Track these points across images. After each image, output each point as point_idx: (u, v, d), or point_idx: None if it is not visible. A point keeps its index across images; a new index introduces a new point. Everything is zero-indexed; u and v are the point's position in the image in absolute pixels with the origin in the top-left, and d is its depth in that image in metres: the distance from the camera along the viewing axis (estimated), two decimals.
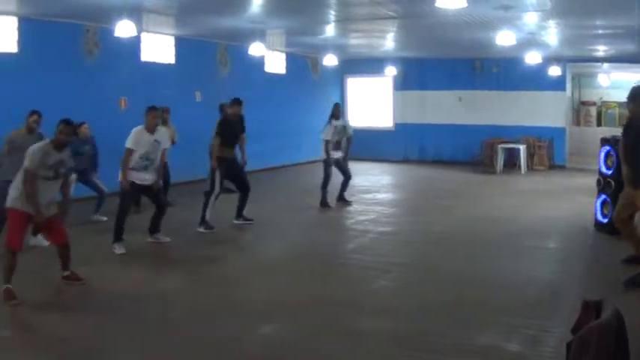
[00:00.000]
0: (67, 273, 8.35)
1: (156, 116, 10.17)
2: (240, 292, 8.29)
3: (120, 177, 9.98)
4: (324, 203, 14.00)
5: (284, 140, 21.35)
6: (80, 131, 11.61)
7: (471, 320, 7.19)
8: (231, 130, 11.80)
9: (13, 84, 12.68)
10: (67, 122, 7.92)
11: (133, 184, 10.00)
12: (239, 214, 12.20)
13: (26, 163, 7.73)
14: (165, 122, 12.98)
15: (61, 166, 7.94)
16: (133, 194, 10.34)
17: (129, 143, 9.90)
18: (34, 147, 7.85)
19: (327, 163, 13.95)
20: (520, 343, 6.55)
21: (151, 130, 10.01)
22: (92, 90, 14.51)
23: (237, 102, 11.95)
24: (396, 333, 6.85)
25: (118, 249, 9.98)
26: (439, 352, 6.32)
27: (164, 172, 11.74)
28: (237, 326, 7.03)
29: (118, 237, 10.04)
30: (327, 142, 13.79)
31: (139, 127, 10.03)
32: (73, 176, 10.65)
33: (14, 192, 7.85)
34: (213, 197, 11.65)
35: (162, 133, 10.28)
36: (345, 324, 7.10)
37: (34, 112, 9.82)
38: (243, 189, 12.08)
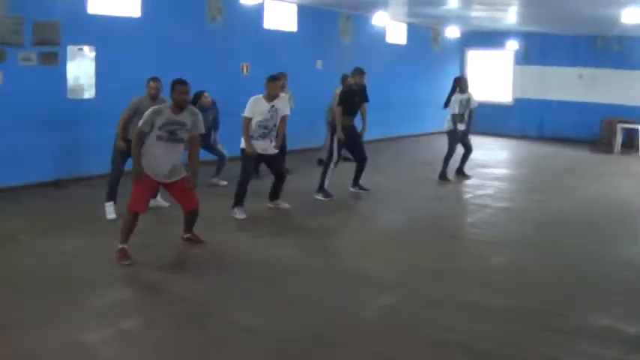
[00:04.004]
0: (188, 235, 8.38)
1: (276, 87, 9.95)
2: (357, 261, 8.19)
3: (244, 145, 9.87)
4: (443, 176, 13.73)
5: (404, 111, 20.99)
6: (201, 101, 11.66)
7: (588, 300, 7.01)
8: (352, 99, 11.62)
9: (136, 49, 12.76)
10: (181, 82, 7.67)
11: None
12: (355, 183, 12.06)
13: (138, 123, 7.73)
14: (282, 87, 12.71)
15: (177, 128, 7.69)
16: (254, 161, 10.21)
17: (245, 112, 9.83)
18: (150, 109, 7.74)
19: (454, 137, 13.70)
20: (639, 327, 6.31)
21: (270, 98, 9.88)
22: (214, 55, 14.52)
23: (360, 71, 11.72)
24: (514, 308, 6.71)
25: (239, 214, 9.93)
26: (558, 330, 6.13)
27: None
28: (355, 295, 6.98)
29: (238, 202, 10.00)
30: (454, 115, 13.52)
31: (257, 96, 9.88)
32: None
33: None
34: (332, 165, 11.51)
35: (282, 100, 10.09)
36: (463, 297, 7.00)
37: (153, 79, 9.50)
38: (360, 158, 11.90)
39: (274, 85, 9.89)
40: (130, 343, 5.72)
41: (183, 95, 7.63)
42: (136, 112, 9.00)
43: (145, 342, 5.77)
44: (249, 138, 9.81)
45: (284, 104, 10.12)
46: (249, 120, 9.79)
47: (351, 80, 11.98)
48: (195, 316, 6.32)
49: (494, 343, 5.82)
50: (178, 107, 7.65)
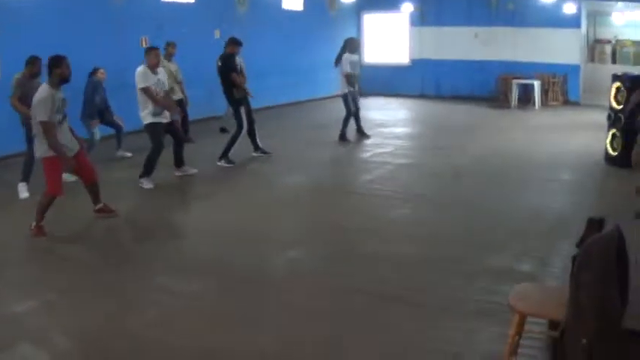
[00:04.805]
0: (99, 206, 8.57)
1: (157, 55, 10.27)
2: (262, 220, 8.59)
3: (166, 113, 10.19)
4: (343, 137, 14.09)
5: (302, 76, 21.34)
6: (96, 76, 11.88)
7: (485, 245, 7.49)
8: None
9: (37, 26, 12.65)
10: (65, 56, 7.85)
11: (159, 123, 10.16)
12: (256, 147, 12.38)
13: (41, 116, 7.62)
14: (169, 57, 13.16)
15: (64, 104, 7.91)
16: (164, 130, 10.35)
17: (143, 83, 10.01)
18: (41, 98, 7.64)
19: (348, 97, 14.03)
20: (531, 265, 6.90)
21: (153, 69, 10.14)
22: (114, 29, 14.54)
23: (238, 42, 12.02)
24: (415, 257, 7.17)
25: (146, 184, 10.17)
26: (457, 273, 6.64)
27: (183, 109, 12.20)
28: (261, 252, 7.42)
29: (148, 172, 10.20)
30: (349, 75, 13.87)
31: (142, 67, 10.11)
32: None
33: (41, 143, 7.82)
34: (243, 134, 11.84)
35: (162, 73, 10.44)
36: (365, 249, 7.45)
37: (36, 57, 9.51)
38: (251, 121, 12.12)
39: (155, 54, 10.21)
40: (55, 313, 5.98)
41: (69, 68, 7.83)
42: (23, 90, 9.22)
43: (69, 310, 6.00)
44: (161, 102, 10.14)
45: (165, 77, 10.52)
46: (149, 89, 10.01)
47: (228, 50, 12.08)
48: (113, 283, 6.59)
49: (392, 287, 6.35)
50: (63, 82, 7.81)
